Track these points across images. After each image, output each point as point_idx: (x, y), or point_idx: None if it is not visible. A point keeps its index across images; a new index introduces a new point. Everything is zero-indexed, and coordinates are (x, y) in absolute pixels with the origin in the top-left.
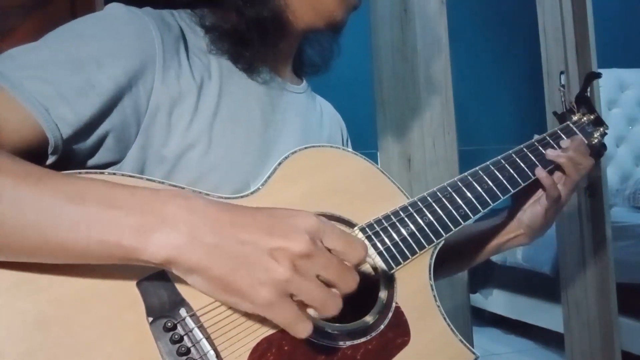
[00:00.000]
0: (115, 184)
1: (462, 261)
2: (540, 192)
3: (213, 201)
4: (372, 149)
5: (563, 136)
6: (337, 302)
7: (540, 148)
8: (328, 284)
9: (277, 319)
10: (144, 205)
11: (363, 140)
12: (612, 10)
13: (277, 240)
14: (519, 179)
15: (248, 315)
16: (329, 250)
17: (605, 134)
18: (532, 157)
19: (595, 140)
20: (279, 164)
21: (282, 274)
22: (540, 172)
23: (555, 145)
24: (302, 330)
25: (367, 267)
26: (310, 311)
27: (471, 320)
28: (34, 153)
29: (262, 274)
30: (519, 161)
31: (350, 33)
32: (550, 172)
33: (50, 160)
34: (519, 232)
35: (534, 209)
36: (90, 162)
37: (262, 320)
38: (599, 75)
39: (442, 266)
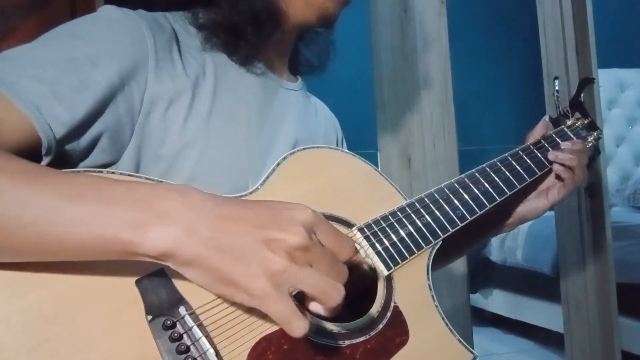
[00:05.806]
0: (113, 180)
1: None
2: (546, 183)
3: (210, 195)
4: (371, 149)
5: (558, 139)
6: (339, 291)
7: (536, 151)
8: None
9: (273, 313)
10: (142, 200)
11: (363, 140)
12: (612, 10)
13: (274, 232)
14: (514, 181)
15: (247, 314)
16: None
17: (599, 138)
18: (528, 160)
19: (590, 144)
20: (278, 164)
21: (279, 263)
22: (564, 156)
23: (550, 148)
24: (299, 327)
25: (365, 268)
26: (314, 308)
27: (471, 320)
28: (29, 154)
29: (258, 265)
30: (514, 163)
31: (350, 33)
32: (541, 179)
33: (44, 161)
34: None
35: (537, 202)
36: (85, 163)
37: (262, 319)
38: (592, 81)
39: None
